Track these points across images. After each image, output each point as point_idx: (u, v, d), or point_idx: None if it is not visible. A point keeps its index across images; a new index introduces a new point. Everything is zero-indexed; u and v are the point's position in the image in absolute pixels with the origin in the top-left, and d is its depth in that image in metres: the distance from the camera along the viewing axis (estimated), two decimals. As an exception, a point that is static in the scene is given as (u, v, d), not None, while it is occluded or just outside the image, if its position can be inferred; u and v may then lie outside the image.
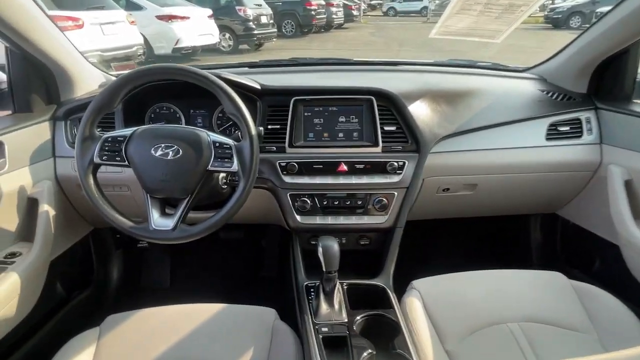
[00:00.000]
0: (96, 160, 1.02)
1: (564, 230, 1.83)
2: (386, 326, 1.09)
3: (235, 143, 1.03)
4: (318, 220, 1.33)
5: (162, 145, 1.01)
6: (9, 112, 1.34)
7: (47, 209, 1.25)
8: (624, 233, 1.32)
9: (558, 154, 1.44)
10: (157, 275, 1.96)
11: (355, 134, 1.35)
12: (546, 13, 14.86)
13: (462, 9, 1.24)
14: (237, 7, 9.39)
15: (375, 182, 1.31)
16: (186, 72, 1.02)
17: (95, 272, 1.68)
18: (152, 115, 1.45)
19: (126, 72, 1.04)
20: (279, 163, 1.30)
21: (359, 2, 17.92)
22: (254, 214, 1.38)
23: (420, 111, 1.35)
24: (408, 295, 1.18)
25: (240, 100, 1.03)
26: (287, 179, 1.30)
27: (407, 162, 1.31)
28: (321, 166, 1.30)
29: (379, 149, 1.31)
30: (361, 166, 1.30)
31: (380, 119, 1.32)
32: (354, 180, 1.30)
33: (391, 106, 1.34)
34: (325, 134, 1.35)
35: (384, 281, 1.27)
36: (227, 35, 9.41)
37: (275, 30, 10.64)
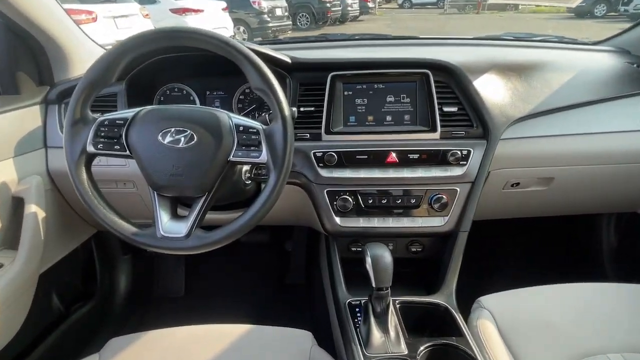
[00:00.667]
0: (89, 148, 0.81)
1: None
2: (457, 358, 0.87)
3: (264, 127, 0.80)
4: (362, 222, 1.09)
5: (172, 129, 0.80)
6: (-7, 94, 1.13)
7: (34, 210, 1.03)
8: None
9: None
10: (170, 282, 1.75)
11: (406, 117, 1.10)
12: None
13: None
14: (251, 0, 9.18)
15: (433, 175, 1.07)
16: (202, 35, 0.79)
17: (99, 282, 1.46)
18: (162, 98, 1.24)
19: (123, 39, 0.82)
20: (314, 153, 1.07)
21: (374, -7, 17.64)
22: (281, 214, 1.16)
23: (487, 88, 1.10)
24: (478, 316, 0.97)
25: (270, 71, 0.79)
26: (324, 173, 1.07)
27: (472, 151, 1.06)
28: (366, 157, 1.07)
29: (437, 135, 1.08)
30: (415, 156, 1.07)
31: (438, 98, 1.07)
32: (407, 173, 1.07)
33: (452, 82, 1.09)
34: (370, 118, 1.11)
35: (445, 299, 1.03)
36: (242, 28, 9.27)
37: (290, 22, 10.50)
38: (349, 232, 1.11)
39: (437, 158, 1.07)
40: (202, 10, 7.65)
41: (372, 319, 0.91)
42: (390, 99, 1.11)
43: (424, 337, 0.90)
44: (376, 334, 0.89)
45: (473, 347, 0.88)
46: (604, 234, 1.62)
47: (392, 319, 0.92)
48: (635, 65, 1.25)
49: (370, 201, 1.08)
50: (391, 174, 1.07)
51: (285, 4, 10.23)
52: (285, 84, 1.11)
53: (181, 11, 7.44)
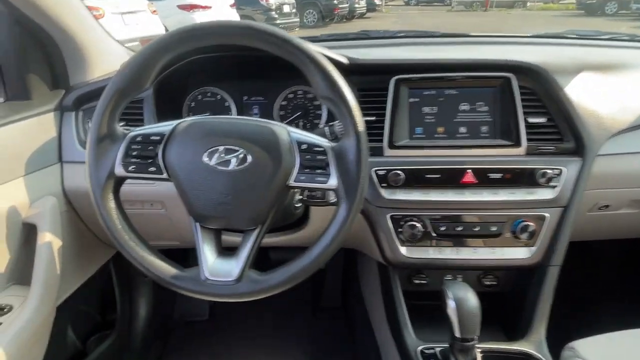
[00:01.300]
0: (118, 171, 0.66)
1: None
2: None
3: (332, 145, 0.64)
4: (431, 253, 0.93)
5: (221, 148, 0.65)
6: (0, 99, 0.97)
7: (49, 240, 0.87)
8: None
9: None
10: (193, 305, 1.59)
11: (484, 129, 0.94)
12: (579, -2, 14.09)
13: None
14: (259, -4, 9.07)
15: (517, 199, 0.90)
16: (257, 31, 0.62)
17: (119, 310, 1.30)
18: (193, 104, 1.08)
19: (161, 35, 0.66)
20: (376, 171, 0.91)
21: (381, -10, 17.49)
22: None
23: (580, 94, 0.93)
24: None
25: (342, 77, 0.63)
26: (387, 195, 0.91)
27: (564, 170, 0.90)
28: (437, 175, 0.91)
29: (521, 150, 0.91)
30: (497, 176, 0.90)
31: (523, 106, 0.90)
32: (487, 196, 0.90)
33: (538, 87, 0.93)
34: (440, 129, 0.95)
35: (535, 348, 0.87)
36: (249, 25, 9.08)
37: (298, 20, 10.33)
38: (417, 263, 0.95)
39: (523, 178, 0.90)
40: (209, 7, 7.51)
41: None
42: (464, 107, 0.95)
43: None
44: None
45: None
46: None
47: None
48: None
49: (443, 229, 0.92)
50: (468, 196, 0.90)
51: (293, 1, 10.06)
52: None
53: (189, 7, 7.31)
